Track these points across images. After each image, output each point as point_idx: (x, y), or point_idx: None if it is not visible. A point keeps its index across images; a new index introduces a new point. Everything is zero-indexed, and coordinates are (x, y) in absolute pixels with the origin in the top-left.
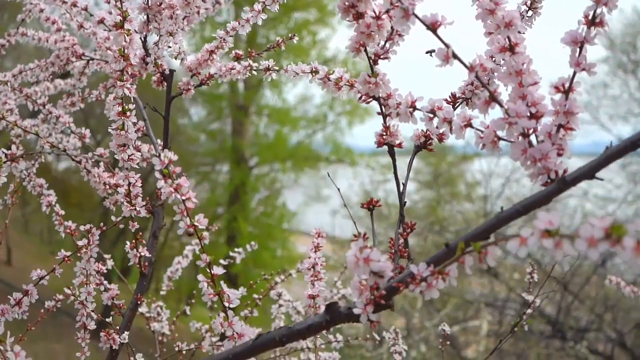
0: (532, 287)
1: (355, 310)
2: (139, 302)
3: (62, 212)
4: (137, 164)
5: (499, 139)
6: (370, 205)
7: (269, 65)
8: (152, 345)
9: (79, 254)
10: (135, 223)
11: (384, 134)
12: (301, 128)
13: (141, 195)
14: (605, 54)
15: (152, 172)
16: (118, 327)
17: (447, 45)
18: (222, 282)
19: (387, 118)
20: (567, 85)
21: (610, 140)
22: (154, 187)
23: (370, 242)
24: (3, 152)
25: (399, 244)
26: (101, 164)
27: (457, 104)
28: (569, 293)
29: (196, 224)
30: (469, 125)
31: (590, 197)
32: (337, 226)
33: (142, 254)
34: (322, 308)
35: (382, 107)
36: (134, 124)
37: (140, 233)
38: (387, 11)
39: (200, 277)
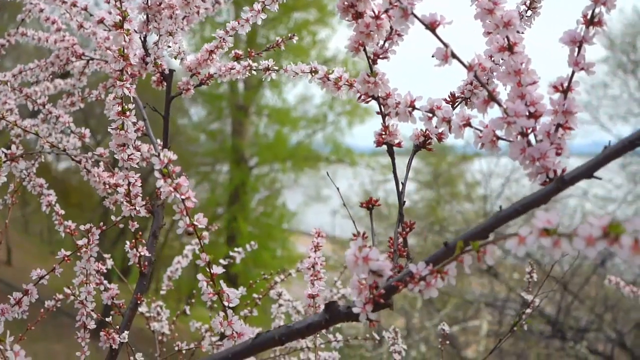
0: (531, 286)
1: (355, 309)
2: (138, 302)
3: (62, 212)
4: (137, 163)
5: (498, 138)
6: (370, 204)
7: (268, 65)
8: (152, 345)
9: (78, 254)
10: (135, 223)
11: (383, 133)
12: (301, 128)
13: (141, 195)
14: (605, 54)
15: (151, 172)
16: (118, 327)
17: (446, 45)
18: (221, 282)
19: (386, 117)
20: (565, 84)
21: (609, 140)
22: (153, 186)
23: (370, 241)
24: (3, 152)
25: (398, 243)
26: (101, 163)
27: (456, 104)
28: (569, 293)
29: (196, 223)
30: (468, 124)
31: (590, 197)
32: (337, 226)
33: (142, 253)
34: (322, 307)
35: (381, 106)
36: (134, 123)
37: (140, 233)
38: (386, 11)
39: (199, 276)
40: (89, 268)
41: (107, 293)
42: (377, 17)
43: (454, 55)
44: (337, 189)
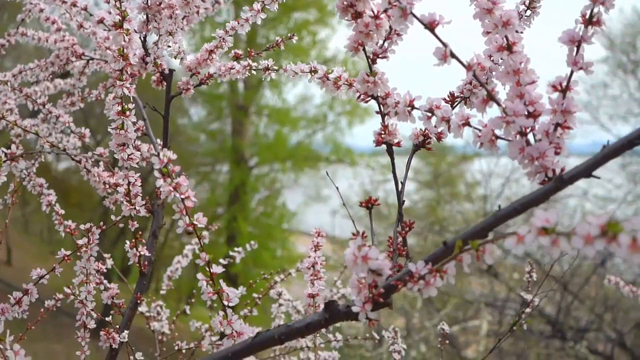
0: (531, 286)
1: (354, 309)
2: (138, 302)
3: (62, 212)
4: (137, 163)
5: (497, 137)
6: (369, 203)
7: (268, 65)
8: (152, 345)
9: (78, 253)
10: (135, 222)
11: (383, 132)
12: (301, 128)
13: (141, 195)
14: (605, 54)
15: (151, 172)
16: (118, 326)
17: (445, 45)
18: (221, 281)
19: (386, 117)
20: (564, 84)
21: (608, 139)
22: (153, 186)
23: (369, 241)
24: (3, 152)
25: (398, 243)
26: (101, 163)
27: (456, 103)
28: (569, 293)
29: (195, 222)
30: (467, 124)
31: (590, 197)
32: (337, 226)
33: (142, 253)
34: (322, 307)
35: (381, 106)
36: (134, 123)
37: (140, 232)
38: (386, 10)
39: (199, 275)
40: (89, 267)
41: (107, 293)
42: (376, 17)
43: (453, 55)
44: (337, 188)
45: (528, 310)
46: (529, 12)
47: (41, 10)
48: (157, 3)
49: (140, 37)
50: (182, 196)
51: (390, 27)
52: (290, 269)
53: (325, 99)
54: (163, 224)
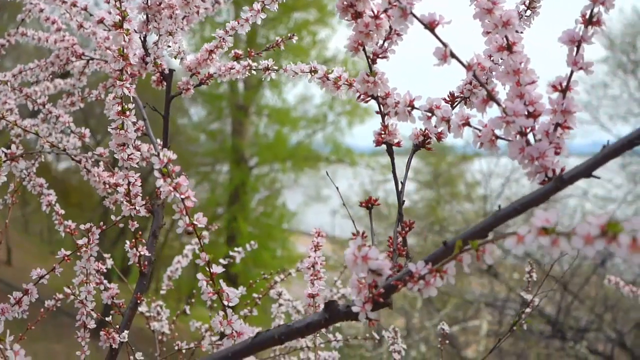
0: (531, 286)
1: (354, 308)
2: (138, 302)
3: (62, 212)
4: (137, 163)
5: (497, 137)
6: (369, 203)
7: (268, 65)
8: (152, 345)
9: (78, 253)
10: (135, 222)
11: (383, 132)
12: (301, 128)
13: (141, 195)
14: (605, 54)
15: (151, 172)
16: (118, 326)
17: (445, 45)
18: (221, 281)
19: (386, 117)
20: (564, 84)
21: (608, 139)
22: (153, 186)
23: (369, 241)
24: (3, 152)
25: (398, 243)
26: (101, 163)
27: (456, 103)
28: (569, 293)
29: (195, 222)
30: (467, 124)
31: (590, 197)
32: (337, 226)
33: (142, 253)
34: (322, 307)
35: (381, 106)
36: (134, 123)
37: (140, 232)
38: (386, 10)
39: (199, 275)
40: (89, 267)
41: (107, 292)
42: (376, 17)
43: (453, 55)
44: (337, 188)
45: (528, 310)
46: (529, 12)
47: (41, 10)
48: (157, 3)
49: (140, 37)
50: (182, 196)
51: (390, 27)
52: (290, 269)
53: (325, 99)
54: (163, 224)
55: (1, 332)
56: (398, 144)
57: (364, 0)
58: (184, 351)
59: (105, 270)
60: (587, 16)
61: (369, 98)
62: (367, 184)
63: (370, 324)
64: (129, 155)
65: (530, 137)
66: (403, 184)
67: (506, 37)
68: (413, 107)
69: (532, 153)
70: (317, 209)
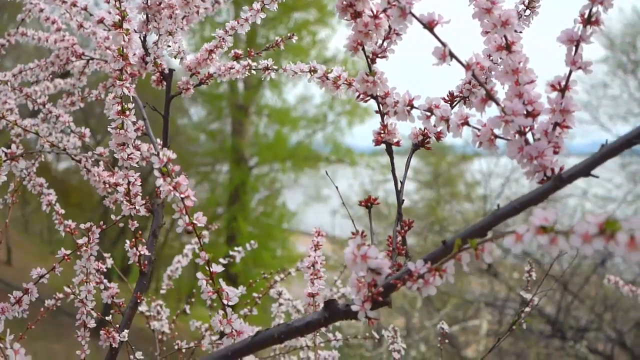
0: (530, 285)
1: (354, 307)
2: (138, 301)
3: (62, 211)
4: (137, 163)
5: (496, 137)
6: (369, 203)
7: (268, 65)
8: (152, 344)
9: (78, 253)
10: (135, 222)
11: (382, 132)
12: (301, 128)
13: (141, 194)
14: (604, 53)
15: (151, 172)
16: (118, 326)
17: (444, 44)
18: (221, 280)
19: (385, 116)
20: (563, 83)
21: (607, 139)
22: (153, 186)
23: (369, 240)
24: (3, 151)
25: (397, 242)
26: (101, 163)
27: (455, 103)
28: (569, 293)
29: (195, 222)
30: (466, 123)
31: (589, 197)
32: (337, 226)
33: (142, 252)
34: (321, 306)
35: (380, 105)
36: (134, 123)
37: (140, 232)
38: (385, 10)
39: (199, 274)
40: (89, 267)
41: (107, 292)
42: (375, 17)
43: (452, 55)
44: (337, 188)
45: (528, 309)
46: (528, 12)
47: (41, 10)
48: (157, 3)
49: (140, 37)
50: (182, 195)
51: (389, 26)
52: (290, 269)
53: (325, 98)
54: (163, 223)
55: (1, 331)
56: (397, 144)
57: (363, 0)
58: (184, 350)
59: (105, 270)
60: (586, 16)
61: (369, 97)
62: (367, 184)
63: (370, 323)
64: (128, 154)
65: (529, 136)
66: (402, 183)
67: (505, 36)
68: (412, 107)
69: (531, 152)
70: (317, 208)
